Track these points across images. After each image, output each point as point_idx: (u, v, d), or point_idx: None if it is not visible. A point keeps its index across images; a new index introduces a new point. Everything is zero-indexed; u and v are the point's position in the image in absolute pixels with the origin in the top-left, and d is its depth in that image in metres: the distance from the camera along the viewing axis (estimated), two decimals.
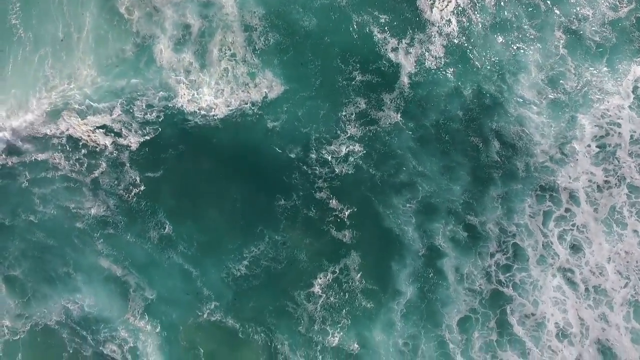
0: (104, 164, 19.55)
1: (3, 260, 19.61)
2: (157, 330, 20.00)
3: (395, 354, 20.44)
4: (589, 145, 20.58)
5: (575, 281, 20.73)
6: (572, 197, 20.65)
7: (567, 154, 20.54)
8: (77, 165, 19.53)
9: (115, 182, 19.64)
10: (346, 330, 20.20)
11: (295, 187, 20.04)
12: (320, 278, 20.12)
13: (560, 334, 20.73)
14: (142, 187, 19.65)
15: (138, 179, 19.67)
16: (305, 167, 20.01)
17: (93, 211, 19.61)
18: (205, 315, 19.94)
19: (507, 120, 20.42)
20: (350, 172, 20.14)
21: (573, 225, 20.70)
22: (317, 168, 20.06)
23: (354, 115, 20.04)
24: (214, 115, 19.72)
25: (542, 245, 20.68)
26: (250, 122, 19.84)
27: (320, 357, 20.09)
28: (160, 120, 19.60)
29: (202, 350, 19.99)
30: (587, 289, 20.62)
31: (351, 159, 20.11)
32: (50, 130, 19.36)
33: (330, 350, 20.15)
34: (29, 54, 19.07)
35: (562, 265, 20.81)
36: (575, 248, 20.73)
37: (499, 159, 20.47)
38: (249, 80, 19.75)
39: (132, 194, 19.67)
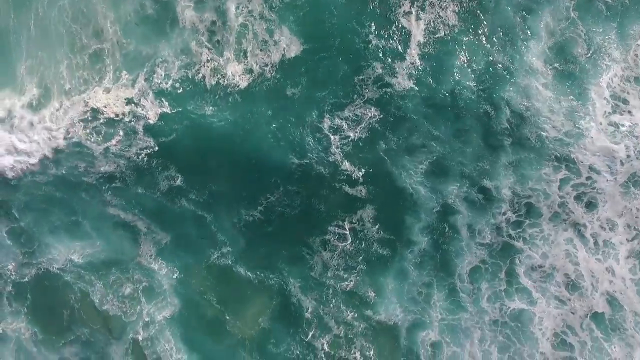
0: (120, 132, 20.32)
1: (8, 212, 20.82)
2: (171, 273, 21.40)
3: (409, 301, 21.94)
4: (600, 123, 20.47)
5: (586, 235, 21.44)
6: (592, 168, 20.92)
7: (581, 128, 20.49)
8: (94, 134, 20.42)
9: (128, 145, 20.48)
10: (361, 276, 21.65)
11: (310, 149, 20.90)
12: (336, 227, 21.38)
13: (570, 286, 21.67)
14: (156, 148, 20.50)
15: (152, 142, 20.56)
16: (321, 130, 20.85)
17: (103, 169, 20.51)
18: (218, 260, 21.27)
19: (517, 90, 20.40)
20: (365, 136, 20.93)
21: (592, 188, 21.13)
22: (333, 132, 20.83)
23: (371, 79, 20.46)
24: (235, 86, 20.28)
25: (558, 204, 21.29)
26: (269, 88, 20.30)
27: (334, 301, 21.57)
28: (180, 91, 20.14)
29: (214, 294, 21.53)
30: (596, 243, 21.34)
31: (366, 122, 20.86)
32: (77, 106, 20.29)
33: (344, 294, 21.65)
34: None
35: (576, 220, 21.53)
36: (590, 205, 21.30)
37: (509, 127, 20.70)
38: (267, 37, 19.88)
39: (144, 154, 20.52)
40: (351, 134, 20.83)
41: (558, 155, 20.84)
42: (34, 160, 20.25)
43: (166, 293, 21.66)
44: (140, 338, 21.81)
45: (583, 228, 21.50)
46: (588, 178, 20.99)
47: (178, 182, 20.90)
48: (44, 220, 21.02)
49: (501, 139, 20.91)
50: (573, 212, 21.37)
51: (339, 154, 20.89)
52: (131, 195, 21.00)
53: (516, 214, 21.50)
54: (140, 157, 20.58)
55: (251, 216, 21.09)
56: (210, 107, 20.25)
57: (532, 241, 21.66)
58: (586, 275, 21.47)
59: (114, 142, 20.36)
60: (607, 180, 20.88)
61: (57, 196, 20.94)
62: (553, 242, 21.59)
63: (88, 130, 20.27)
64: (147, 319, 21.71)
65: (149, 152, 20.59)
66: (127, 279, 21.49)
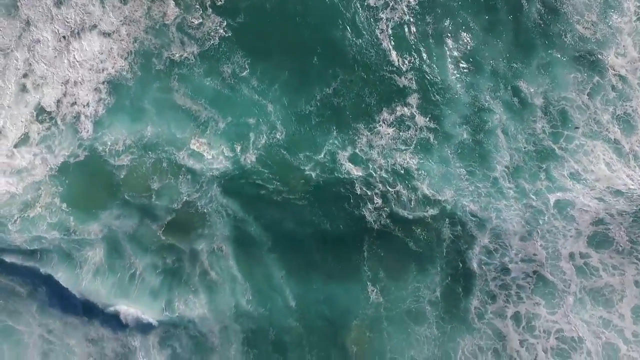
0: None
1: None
2: (226, 152, 21.33)
3: (453, 183, 21.85)
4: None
5: (620, 148, 22.14)
6: (622, 78, 21.89)
7: (613, 28, 21.53)
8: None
9: (196, 27, 20.93)
10: (408, 159, 21.81)
11: (363, 32, 21.70)
12: (384, 114, 21.90)
13: (613, 191, 21.57)
14: (223, 32, 20.97)
15: (219, 22, 21.02)
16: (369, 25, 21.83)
17: (166, 53, 20.87)
18: (270, 142, 21.38)
19: None
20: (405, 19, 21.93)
21: (624, 101, 22.03)
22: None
23: None
24: None
25: (591, 115, 22.12)
26: None
27: (382, 174, 21.44)
28: None
29: (267, 170, 21.38)
30: (636, 156, 21.96)
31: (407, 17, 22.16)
32: None
33: (392, 171, 21.65)
34: None
35: (611, 136, 22.24)
36: (624, 121, 22.15)
37: (542, 23, 21.84)
38: None
39: (212, 35, 21.01)
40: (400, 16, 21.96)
41: (590, 59, 21.78)
42: None
43: (219, 171, 21.47)
44: (189, 199, 21.27)
45: (617, 145, 22.08)
46: (614, 88, 22.12)
47: (241, 68, 21.41)
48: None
49: (533, 37, 22.22)
50: (604, 124, 22.07)
51: (387, 38, 21.94)
52: (195, 80, 21.29)
53: (551, 124, 22.20)
54: (208, 38, 21.16)
55: (309, 104, 21.57)
56: None
57: (568, 149, 22.09)
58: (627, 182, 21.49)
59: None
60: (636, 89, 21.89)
61: None
62: (588, 151, 22.04)
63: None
64: (198, 190, 21.39)
65: (217, 34, 21.18)
66: (179, 160, 21.25)
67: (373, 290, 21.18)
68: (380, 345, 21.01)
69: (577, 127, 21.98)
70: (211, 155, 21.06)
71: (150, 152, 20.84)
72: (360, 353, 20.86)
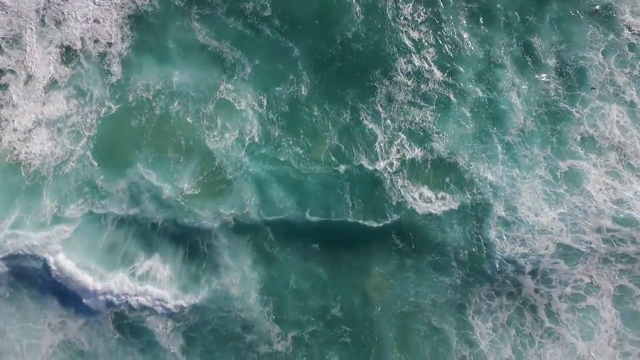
0: None
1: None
2: (252, 99, 21.40)
3: (469, 144, 21.74)
4: None
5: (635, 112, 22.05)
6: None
7: None
8: None
9: None
10: (425, 113, 21.73)
11: None
12: (401, 63, 21.87)
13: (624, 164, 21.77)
14: None
15: None
16: None
17: None
18: (294, 90, 21.45)
19: None
20: None
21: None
22: None
23: None
24: None
25: (606, 75, 21.98)
26: None
27: (400, 133, 21.37)
28: None
29: (290, 135, 21.47)
30: None
31: None
32: None
33: (409, 130, 21.60)
34: None
35: (627, 98, 22.12)
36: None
37: None
38: None
39: None
40: None
41: (605, 14, 21.79)
42: None
43: (246, 114, 21.53)
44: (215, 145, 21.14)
45: (632, 107, 21.94)
46: (631, 47, 22.08)
47: (262, 7, 21.67)
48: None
49: None
50: (619, 85, 21.97)
51: None
52: (218, 22, 21.61)
53: (565, 85, 22.03)
54: None
55: (331, 48, 21.80)
56: None
57: (581, 109, 21.91)
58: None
59: None
60: None
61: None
62: (604, 114, 21.88)
63: None
64: (224, 138, 21.32)
65: None
66: (208, 103, 21.32)
67: (399, 245, 21.26)
68: (403, 289, 21.09)
69: (593, 88, 22.20)
70: (242, 105, 20.97)
71: (178, 100, 20.79)
72: (383, 299, 20.97)
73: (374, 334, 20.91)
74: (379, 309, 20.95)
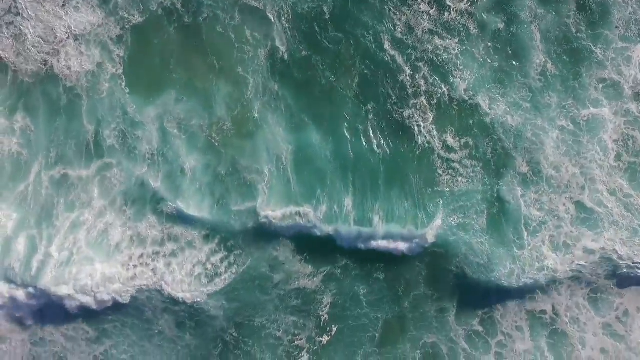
0: None
1: None
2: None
3: (489, 85, 20.28)
4: None
5: None
6: None
7: None
8: None
9: None
10: (444, 46, 20.28)
11: None
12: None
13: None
14: None
15: None
16: None
17: None
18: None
19: None
20: None
21: None
22: None
23: None
24: None
25: (630, 15, 20.52)
26: None
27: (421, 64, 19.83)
28: None
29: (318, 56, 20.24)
30: None
31: None
32: None
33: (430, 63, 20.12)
34: None
35: None
36: None
37: None
38: None
39: None
40: None
41: None
42: None
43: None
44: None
45: None
46: None
47: None
48: None
49: None
50: None
51: None
52: None
53: (587, 21, 20.47)
54: None
55: None
56: None
57: (603, 50, 20.42)
58: None
59: None
60: None
61: None
62: (628, 58, 20.42)
63: None
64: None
65: None
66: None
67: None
68: None
69: (617, 27, 20.30)
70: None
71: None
72: None
73: None
74: None
